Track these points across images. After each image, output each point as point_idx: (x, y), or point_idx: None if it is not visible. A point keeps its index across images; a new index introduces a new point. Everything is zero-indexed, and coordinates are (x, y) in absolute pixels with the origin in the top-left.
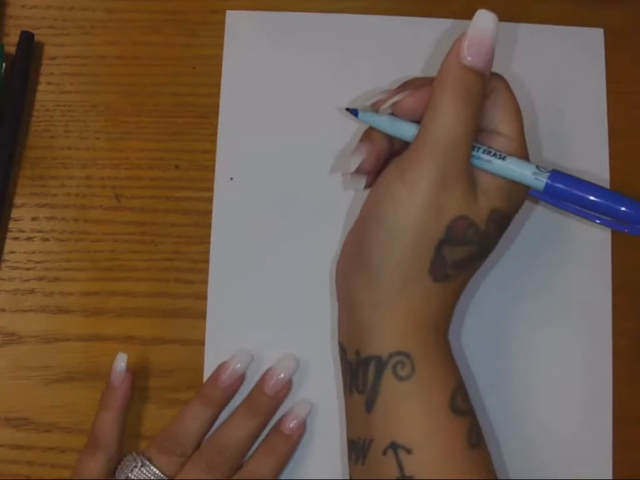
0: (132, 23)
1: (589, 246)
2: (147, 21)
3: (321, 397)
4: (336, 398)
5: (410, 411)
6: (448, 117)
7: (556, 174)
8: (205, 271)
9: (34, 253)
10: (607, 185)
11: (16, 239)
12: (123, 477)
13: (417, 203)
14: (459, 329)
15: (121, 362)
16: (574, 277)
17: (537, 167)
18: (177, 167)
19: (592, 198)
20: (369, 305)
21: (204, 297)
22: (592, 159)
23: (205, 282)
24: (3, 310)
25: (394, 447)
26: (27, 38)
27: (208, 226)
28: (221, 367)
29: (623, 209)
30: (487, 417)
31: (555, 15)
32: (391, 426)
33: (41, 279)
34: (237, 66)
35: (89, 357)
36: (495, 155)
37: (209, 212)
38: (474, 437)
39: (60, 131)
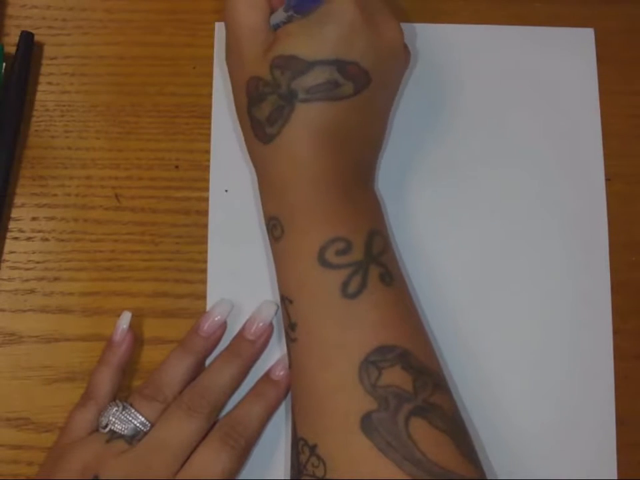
0: (132, 23)
1: (588, 246)
2: (147, 21)
3: None
4: None
5: (286, 266)
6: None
7: None
8: (205, 271)
9: (34, 252)
10: (602, 184)
11: (16, 239)
12: (104, 421)
13: (231, 80)
14: (462, 331)
15: (124, 320)
16: (573, 277)
17: None
18: (176, 167)
19: None
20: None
21: (204, 296)
22: (586, 160)
23: (205, 282)
24: (3, 310)
25: (282, 298)
26: (26, 38)
27: (207, 226)
28: (202, 317)
29: None
30: (489, 418)
31: (545, 16)
32: (279, 281)
33: (41, 279)
34: (228, 78)
35: (89, 357)
36: (277, 11)
37: (209, 212)
38: (352, 288)
39: (60, 131)
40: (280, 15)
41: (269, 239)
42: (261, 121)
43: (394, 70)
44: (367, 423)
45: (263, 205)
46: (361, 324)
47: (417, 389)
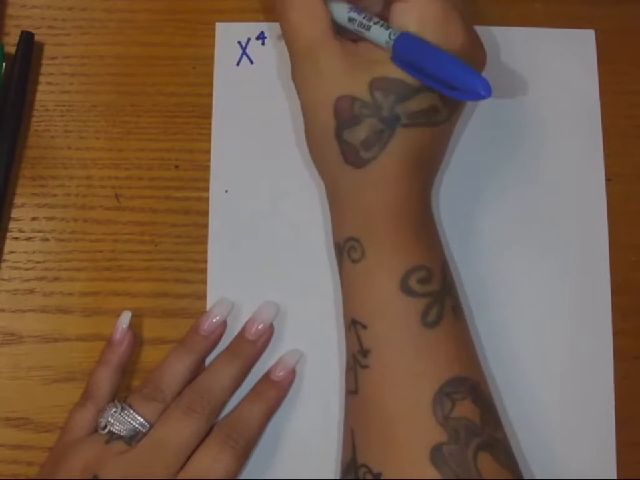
0: (132, 22)
1: (588, 246)
2: (147, 21)
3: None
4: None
5: (363, 290)
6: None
7: (404, 34)
8: (205, 271)
9: (34, 252)
10: (602, 184)
11: (16, 239)
12: (103, 423)
13: (303, 99)
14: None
15: (124, 320)
16: (573, 277)
17: (393, 32)
18: (176, 167)
19: (431, 60)
20: (330, 201)
21: (204, 296)
22: (586, 160)
23: (205, 282)
24: (3, 310)
25: (354, 323)
26: (26, 38)
27: (207, 226)
28: (202, 317)
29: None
30: None
31: (546, 17)
32: (350, 304)
33: (41, 279)
34: (229, 78)
35: (89, 357)
36: (364, 26)
37: (209, 212)
38: (431, 317)
39: (60, 131)
40: (350, 20)
41: (342, 260)
42: (354, 145)
43: None
44: (436, 455)
45: (337, 225)
46: (437, 354)
47: (483, 423)
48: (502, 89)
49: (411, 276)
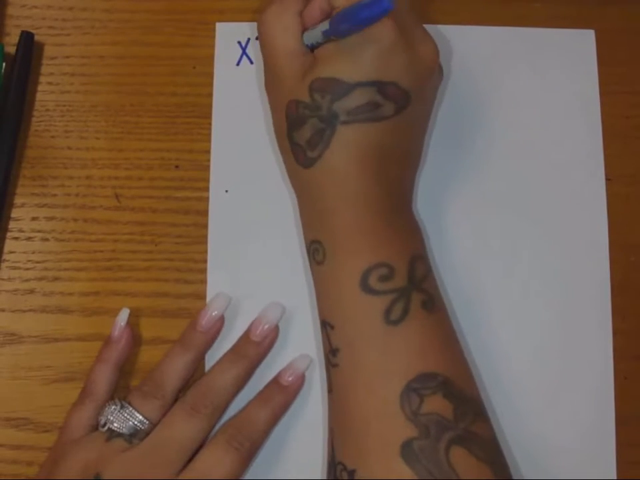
0: (132, 22)
1: (588, 246)
2: (147, 21)
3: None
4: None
5: (328, 291)
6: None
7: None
8: (205, 271)
9: (34, 253)
10: (602, 184)
11: (16, 238)
12: (103, 420)
13: (270, 105)
14: (458, 331)
15: (122, 317)
16: (573, 278)
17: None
18: (176, 167)
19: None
20: (297, 204)
21: (204, 296)
22: (586, 160)
23: (205, 282)
24: (3, 310)
25: (324, 323)
26: (27, 38)
27: (207, 226)
28: (200, 313)
29: None
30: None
31: (546, 17)
32: (320, 305)
33: (40, 279)
34: (229, 78)
35: (89, 357)
36: (312, 30)
37: (208, 212)
38: (394, 314)
39: (60, 131)
40: (314, 35)
41: (310, 262)
42: (302, 145)
43: (431, 87)
44: (407, 450)
45: (303, 228)
46: (403, 351)
47: (457, 417)
48: (501, 89)
49: (371, 274)
